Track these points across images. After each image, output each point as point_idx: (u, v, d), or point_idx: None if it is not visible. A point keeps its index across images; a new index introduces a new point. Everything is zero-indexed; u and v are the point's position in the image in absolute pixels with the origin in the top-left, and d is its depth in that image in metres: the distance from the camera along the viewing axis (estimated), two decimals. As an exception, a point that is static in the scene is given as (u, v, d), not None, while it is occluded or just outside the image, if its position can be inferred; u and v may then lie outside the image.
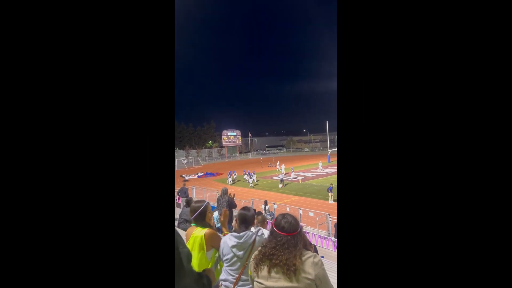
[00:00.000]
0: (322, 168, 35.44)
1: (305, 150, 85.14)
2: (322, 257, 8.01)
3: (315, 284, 1.63)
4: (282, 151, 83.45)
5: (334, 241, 9.25)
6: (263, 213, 8.85)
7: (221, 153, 70.66)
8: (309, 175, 32.12)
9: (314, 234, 10.27)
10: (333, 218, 11.60)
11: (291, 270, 1.61)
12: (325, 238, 9.83)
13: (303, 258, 1.66)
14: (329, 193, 17.99)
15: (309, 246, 1.83)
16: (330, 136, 39.36)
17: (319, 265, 1.67)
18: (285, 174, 28.94)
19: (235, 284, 2.22)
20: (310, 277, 1.61)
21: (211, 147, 73.99)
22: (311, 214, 13.09)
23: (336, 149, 48.01)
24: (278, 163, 33.01)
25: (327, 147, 38.97)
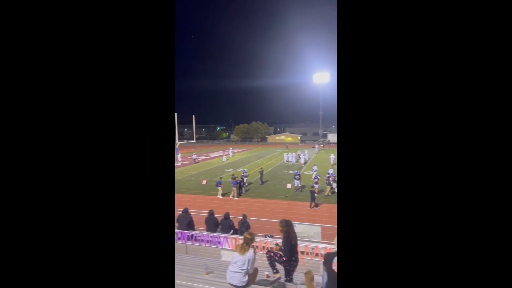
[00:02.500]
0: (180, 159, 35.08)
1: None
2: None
3: None
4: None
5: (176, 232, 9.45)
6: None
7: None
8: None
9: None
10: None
11: None
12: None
13: None
14: (218, 188, 15.26)
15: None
16: (178, 129, 39.36)
17: None
18: None
19: None
20: None
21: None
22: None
23: (185, 142, 48.99)
24: None
25: (175, 139, 38.89)
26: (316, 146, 44.55)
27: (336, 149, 42.68)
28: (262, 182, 16.92)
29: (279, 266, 3.95)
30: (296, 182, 15.29)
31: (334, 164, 23.97)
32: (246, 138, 68.33)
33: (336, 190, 14.23)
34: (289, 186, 15.74)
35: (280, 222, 4.10)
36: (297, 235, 7.71)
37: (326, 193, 14.13)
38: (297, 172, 16.07)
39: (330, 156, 27.03)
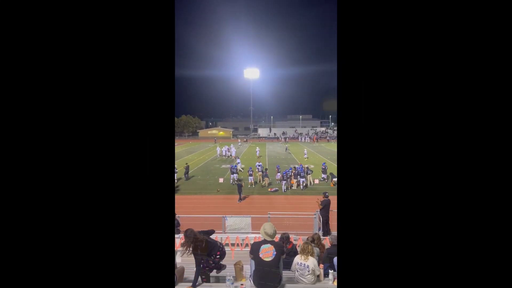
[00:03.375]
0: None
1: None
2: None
3: None
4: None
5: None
6: None
7: None
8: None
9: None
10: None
11: None
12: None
13: None
14: None
15: None
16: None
17: None
18: None
19: None
20: None
21: None
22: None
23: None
24: None
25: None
26: (239, 140, 45.60)
27: (264, 143, 45.09)
28: (187, 178, 16.47)
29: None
30: (232, 176, 15.36)
31: (260, 156, 25.14)
32: (175, 133, 65.18)
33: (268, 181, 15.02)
34: (221, 180, 15.75)
35: (185, 232, 3.92)
36: (229, 227, 7.79)
37: (262, 184, 14.73)
38: (233, 166, 16.21)
39: (256, 149, 28.18)
